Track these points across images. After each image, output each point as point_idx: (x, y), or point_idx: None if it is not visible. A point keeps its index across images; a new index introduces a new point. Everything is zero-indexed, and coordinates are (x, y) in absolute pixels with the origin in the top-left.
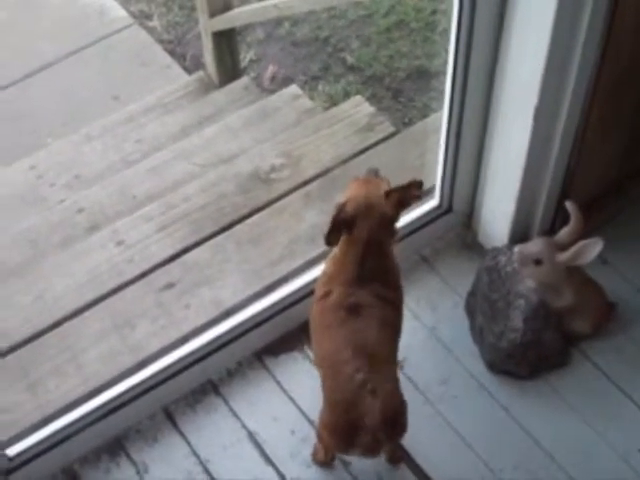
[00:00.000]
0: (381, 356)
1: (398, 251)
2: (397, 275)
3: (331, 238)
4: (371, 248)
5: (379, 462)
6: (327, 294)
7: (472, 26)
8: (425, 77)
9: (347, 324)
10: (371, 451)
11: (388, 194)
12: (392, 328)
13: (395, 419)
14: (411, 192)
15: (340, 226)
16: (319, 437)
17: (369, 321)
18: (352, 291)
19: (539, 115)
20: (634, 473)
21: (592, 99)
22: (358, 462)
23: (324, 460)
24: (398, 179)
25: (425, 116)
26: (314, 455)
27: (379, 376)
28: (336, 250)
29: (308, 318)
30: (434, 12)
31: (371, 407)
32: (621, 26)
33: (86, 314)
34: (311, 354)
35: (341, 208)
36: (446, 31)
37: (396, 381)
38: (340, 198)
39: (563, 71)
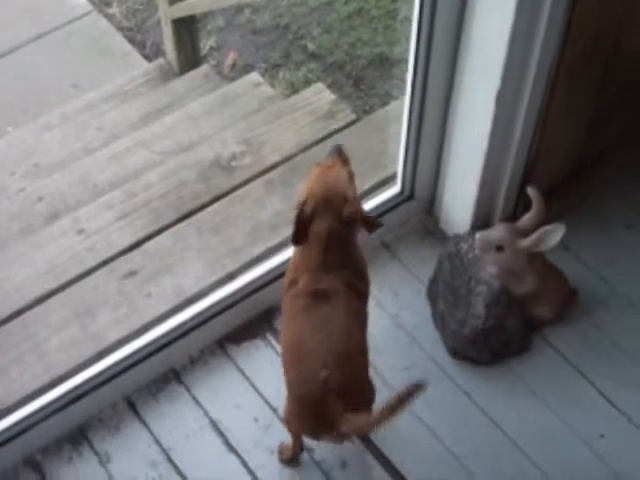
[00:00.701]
0: (350, 349)
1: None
2: (364, 265)
3: (298, 238)
4: (333, 241)
5: (343, 447)
6: (293, 282)
7: (434, 12)
8: (386, 65)
9: (313, 310)
10: (337, 442)
11: (350, 202)
12: (359, 318)
13: (365, 427)
14: (369, 222)
15: (304, 225)
16: (285, 423)
17: (338, 307)
18: (318, 277)
19: (501, 99)
20: (597, 458)
21: (554, 83)
22: (321, 449)
23: (291, 456)
24: (360, 166)
25: (386, 104)
26: (280, 455)
27: (346, 376)
28: None
29: (270, 306)
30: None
31: (341, 421)
32: (583, 7)
33: (47, 303)
34: (273, 341)
35: (302, 207)
36: (407, 19)
37: (365, 373)
38: (301, 189)
39: (525, 54)
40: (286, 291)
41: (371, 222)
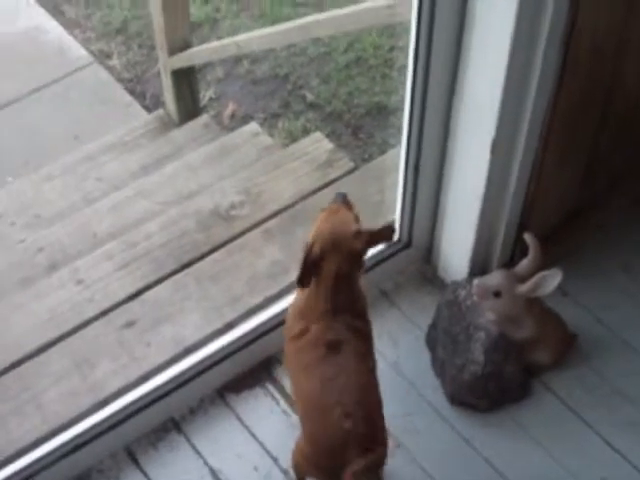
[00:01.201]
0: (369, 399)
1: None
2: (364, 304)
3: (303, 280)
4: (340, 281)
5: None
6: (303, 332)
7: (428, 61)
8: (384, 113)
9: (327, 361)
10: None
11: (358, 234)
12: (368, 361)
13: (378, 466)
14: (383, 235)
15: (310, 267)
16: (295, 467)
17: (348, 357)
18: (329, 326)
19: (496, 147)
20: None
21: (549, 129)
22: None
23: None
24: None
25: (384, 152)
26: None
27: (369, 426)
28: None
29: (269, 355)
30: (392, 49)
31: (357, 461)
32: (577, 53)
33: (46, 354)
34: (273, 390)
35: (309, 249)
36: (404, 67)
37: (384, 428)
38: (308, 232)
39: (520, 102)
40: (293, 340)
41: (385, 231)
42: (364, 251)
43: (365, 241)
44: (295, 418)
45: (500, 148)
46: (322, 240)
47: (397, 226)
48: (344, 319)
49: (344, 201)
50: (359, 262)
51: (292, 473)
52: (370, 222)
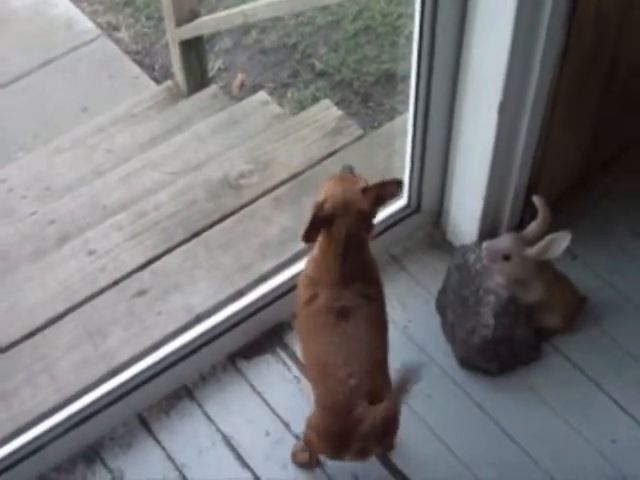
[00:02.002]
0: (373, 358)
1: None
2: (376, 270)
3: (310, 235)
4: (351, 245)
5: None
6: (313, 298)
7: (434, 27)
8: (393, 81)
9: (337, 328)
10: (362, 457)
11: (365, 190)
12: (379, 326)
13: (389, 427)
14: (389, 189)
15: (319, 224)
16: (307, 441)
17: (358, 323)
18: (339, 293)
19: (504, 110)
20: (609, 464)
21: (556, 91)
22: (334, 462)
23: (307, 463)
24: (367, 180)
25: (393, 119)
26: (294, 456)
27: (373, 381)
28: (315, 251)
29: (280, 321)
30: (400, 16)
31: (366, 415)
32: (583, 18)
33: (59, 324)
34: (284, 356)
35: (320, 206)
36: (412, 34)
37: (389, 385)
38: (317, 196)
39: (526, 65)
40: (303, 306)
41: (391, 185)
42: (373, 210)
43: (373, 198)
44: (306, 383)
45: (508, 111)
46: (334, 199)
47: (406, 191)
48: (355, 287)
49: (351, 172)
50: (369, 224)
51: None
52: None
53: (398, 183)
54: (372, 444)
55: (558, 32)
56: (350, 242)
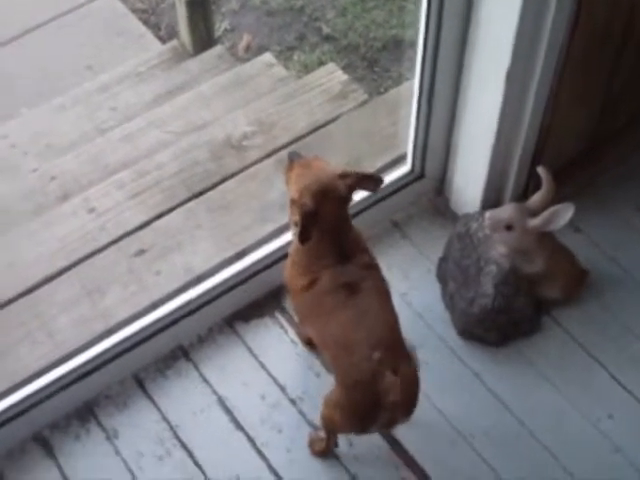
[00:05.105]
0: (389, 326)
1: (369, 217)
2: (363, 238)
3: (307, 236)
4: (340, 226)
5: None
6: (313, 282)
7: None
8: (400, 46)
9: (350, 305)
10: (389, 428)
11: (344, 176)
12: (386, 292)
13: (415, 392)
14: (368, 185)
15: (309, 221)
16: (328, 421)
17: (369, 294)
18: (342, 270)
19: (511, 78)
20: (605, 438)
21: (565, 62)
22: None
23: (326, 449)
24: (371, 146)
25: (400, 85)
26: (311, 446)
27: (395, 352)
28: (296, 242)
29: (279, 284)
30: None
31: (392, 385)
32: None
33: (57, 281)
34: (282, 320)
35: (302, 204)
36: (421, 0)
37: (406, 349)
38: (291, 193)
39: (535, 33)
40: (302, 292)
41: (372, 179)
42: (351, 191)
43: (350, 185)
44: (302, 348)
45: (515, 78)
46: (310, 192)
47: (410, 157)
48: (355, 260)
49: (299, 158)
50: (348, 203)
51: (300, 403)
52: (383, 154)
53: (378, 181)
54: (400, 413)
55: (569, 1)
56: (338, 224)
